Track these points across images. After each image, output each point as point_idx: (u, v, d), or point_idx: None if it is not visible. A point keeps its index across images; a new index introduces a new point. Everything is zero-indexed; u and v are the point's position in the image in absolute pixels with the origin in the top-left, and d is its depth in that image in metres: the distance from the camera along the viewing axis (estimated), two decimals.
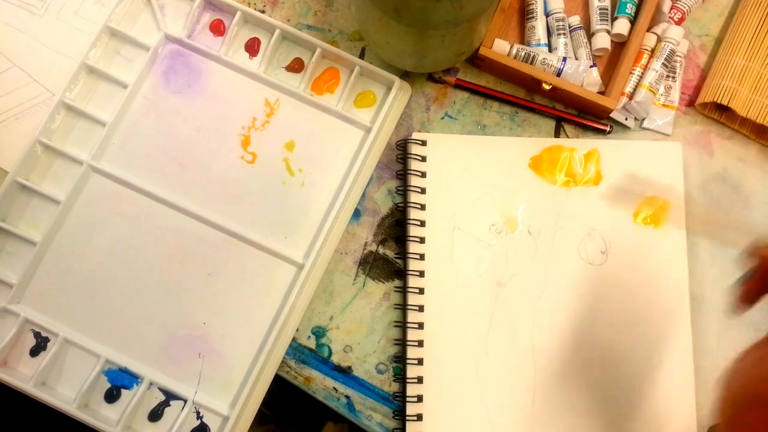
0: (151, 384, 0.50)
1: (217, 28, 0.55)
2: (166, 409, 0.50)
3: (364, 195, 0.53)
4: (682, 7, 0.54)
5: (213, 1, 0.54)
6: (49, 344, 0.51)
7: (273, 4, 0.56)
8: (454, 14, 0.42)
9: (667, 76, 0.54)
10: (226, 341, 0.51)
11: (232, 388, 0.50)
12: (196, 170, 0.53)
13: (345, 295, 0.52)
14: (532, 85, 0.53)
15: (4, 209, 0.52)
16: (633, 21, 0.53)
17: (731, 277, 0.51)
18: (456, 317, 0.50)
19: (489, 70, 0.55)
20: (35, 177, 0.52)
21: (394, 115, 0.54)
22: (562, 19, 0.54)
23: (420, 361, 0.50)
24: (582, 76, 0.52)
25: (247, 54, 0.55)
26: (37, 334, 0.51)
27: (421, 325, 0.50)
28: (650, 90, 0.52)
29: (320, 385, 0.51)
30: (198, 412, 0.50)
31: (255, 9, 0.55)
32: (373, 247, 0.53)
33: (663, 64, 0.52)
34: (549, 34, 0.54)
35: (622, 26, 0.53)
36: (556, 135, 0.54)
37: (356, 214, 0.53)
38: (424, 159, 0.53)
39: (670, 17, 0.54)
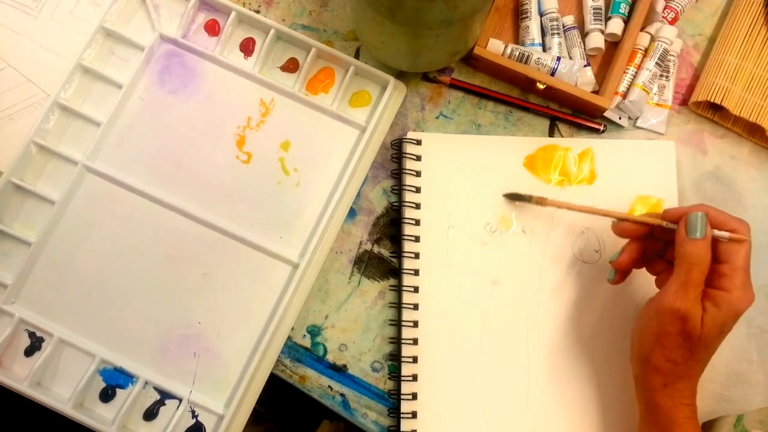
0: (146, 383, 0.50)
1: (212, 28, 0.55)
2: (162, 409, 0.50)
3: (359, 194, 0.54)
4: (676, 7, 0.54)
5: (208, 1, 0.54)
6: (43, 344, 0.51)
7: (268, 4, 0.57)
8: (449, 14, 0.43)
9: (661, 76, 0.54)
10: (221, 340, 0.51)
11: (227, 387, 0.50)
12: (192, 170, 0.53)
13: (340, 294, 0.52)
14: (527, 84, 0.53)
15: None
16: (627, 20, 0.53)
17: None
18: (451, 315, 0.51)
19: (483, 70, 0.55)
20: (30, 177, 0.52)
21: (389, 115, 0.54)
22: (556, 19, 0.54)
23: (415, 359, 0.50)
24: (576, 76, 0.52)
25: (242, 54, 0.55)
26: (31, 335, 0.51)
27: (415, 324, 0.50)
28: (644, 89, 0.52)
29: (315, 383, 0.51)
30: (193, 411, 0.50)
31: (250, 9, 0.55)
32: (368, 246, 0.53)
33: (656, 63, 0.53)
34: (543, 34, 0.54)
35: (615, 26, 0.53)
36: (551, 134, 0.55)
37: (351, 213, 0.53)
38: (419, 158, 0.53)
39: (663, 17, 0.54)
